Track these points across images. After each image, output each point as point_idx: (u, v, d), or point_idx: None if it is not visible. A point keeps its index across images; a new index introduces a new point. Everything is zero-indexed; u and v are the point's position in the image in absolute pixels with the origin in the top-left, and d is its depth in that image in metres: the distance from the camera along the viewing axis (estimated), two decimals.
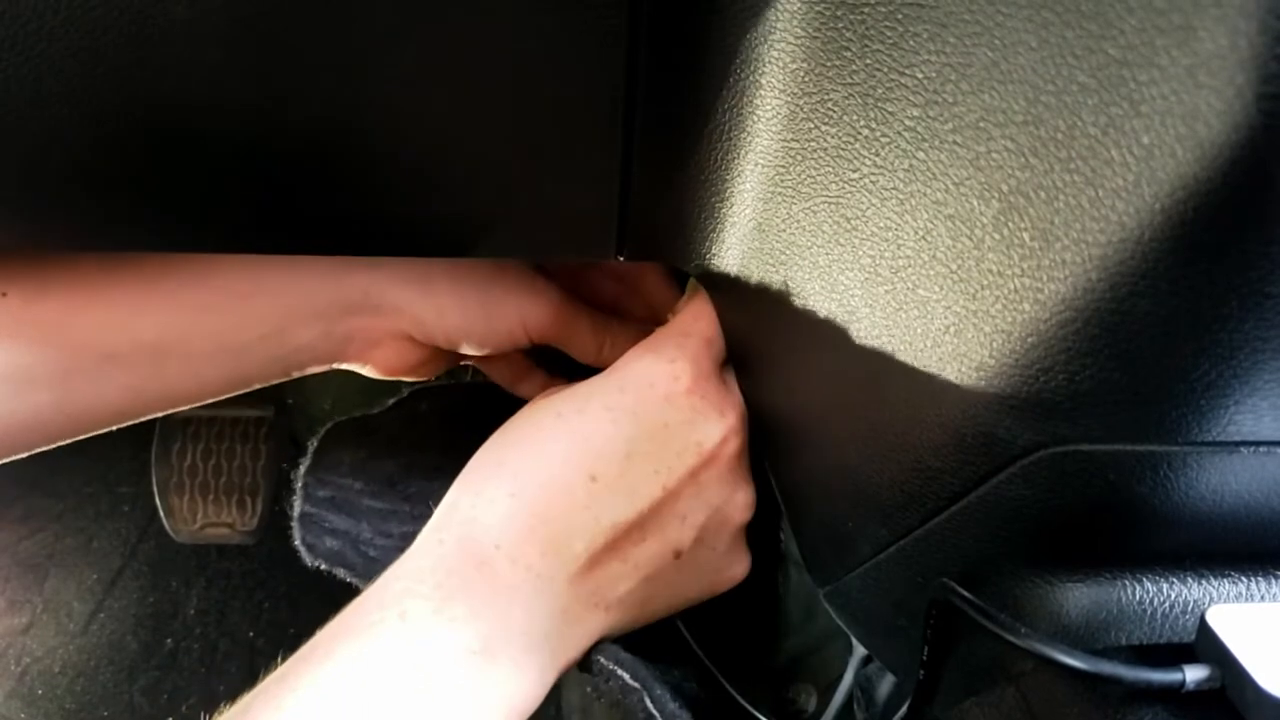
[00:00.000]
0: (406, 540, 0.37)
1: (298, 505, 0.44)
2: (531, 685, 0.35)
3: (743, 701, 0.43)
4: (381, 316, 0.43)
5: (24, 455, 0.40)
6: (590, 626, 0.37)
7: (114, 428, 0.42)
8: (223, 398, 0.44)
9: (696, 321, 0.42)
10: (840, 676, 0.48)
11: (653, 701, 0.38)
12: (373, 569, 0.40)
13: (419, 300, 0.43)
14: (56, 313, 0.38)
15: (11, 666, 0.96)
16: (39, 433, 0.40)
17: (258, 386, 0.44)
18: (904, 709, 0.42)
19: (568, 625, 0.37)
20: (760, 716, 0.43)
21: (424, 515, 0.37)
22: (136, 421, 0.42)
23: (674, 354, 0.40)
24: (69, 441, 0.41)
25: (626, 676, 0.38)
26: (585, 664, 0.39)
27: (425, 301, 0.43)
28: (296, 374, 0.45)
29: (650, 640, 0.41)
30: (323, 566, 0.43)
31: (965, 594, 0.29)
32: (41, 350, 0.37)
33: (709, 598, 0.42)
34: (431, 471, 0.47)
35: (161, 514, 0.84)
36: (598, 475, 0.37)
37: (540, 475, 0.37)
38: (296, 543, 0.43)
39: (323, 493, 0.44)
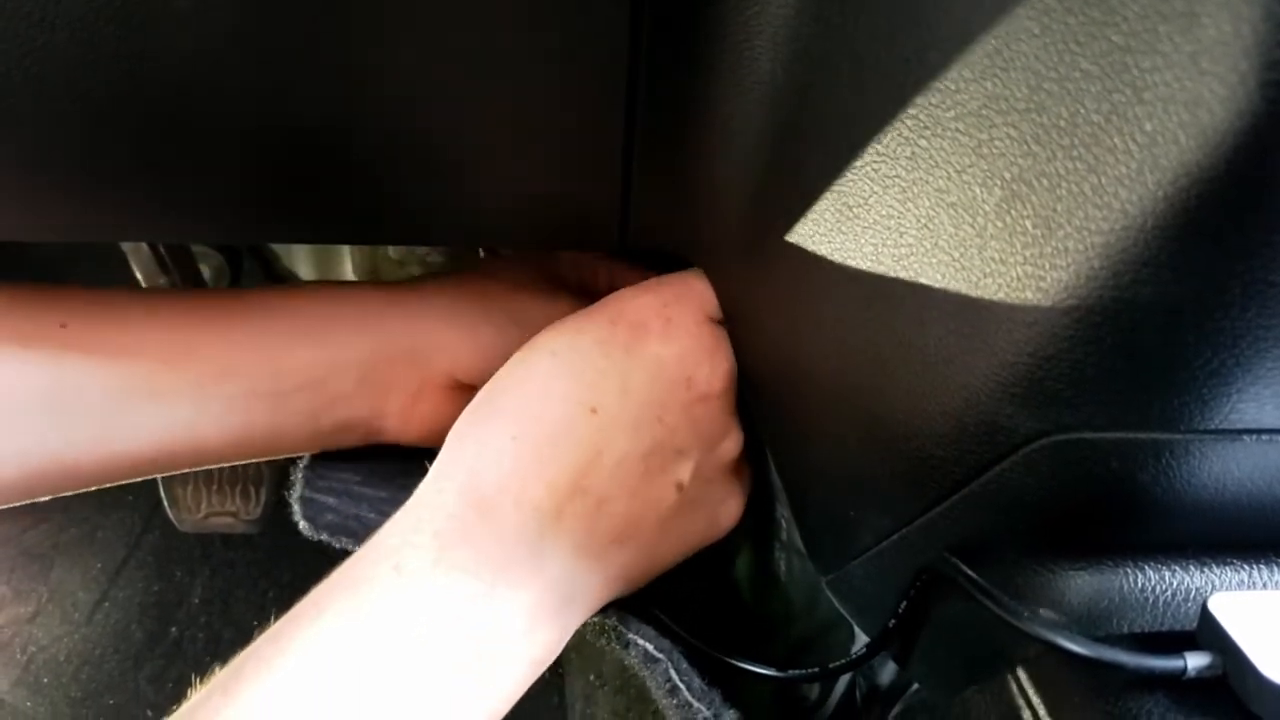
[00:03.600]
0: None
1: (297, 490, 0.44)
2: (549, 631, 0.35)
3: (740, 664, 0.43)
4: (422, 362, 0.43)
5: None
6: (609, 567, 0.37)
7: (141, 479, 0.42)
8: (260, 459, 0.44)
9: (695, 278, 0.42)
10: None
11: (679, 673, 0.37)
12: None
13: (460, 340, 0.43)
14: (111, 344, 0.38)
15: (17, 655, 0.96)
16: (71, 469, 0.39)
17: (289, 453, 0.44)
18: (906, 695, 0.42)
19: (582, 564, 0.36)
20: (760, 670, 0.43)
21: None
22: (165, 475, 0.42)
23: (668, 296, 0.40)
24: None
25: (650, 646, 0.38)
26: (603, 630, 0.39)
27: (466, 340, 0.43)
28: (334, 438, 0.45)
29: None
30: (324, 538, 0.43)
31: (969, 573, 0.29)
32: (88, 383, 0.38)
33: (711, 542, 0.42)
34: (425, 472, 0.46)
35: (166, 503, 0.84)
36: (598, 408, 0.37)
37: (540, 413, 0.37)
38: (296, 517, 0.43)
39: (322, 483, 0.44)
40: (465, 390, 0.43)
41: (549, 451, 0.36)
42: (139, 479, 0.42)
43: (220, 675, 0.31)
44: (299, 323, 0.42)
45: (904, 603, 0.33)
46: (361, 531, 0.43)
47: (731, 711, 0.37)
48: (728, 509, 0.42)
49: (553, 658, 0.35)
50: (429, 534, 0.34)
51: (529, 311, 0.45)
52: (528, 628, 0.34)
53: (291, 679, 0.30)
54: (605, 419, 0.36)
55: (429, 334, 0.43)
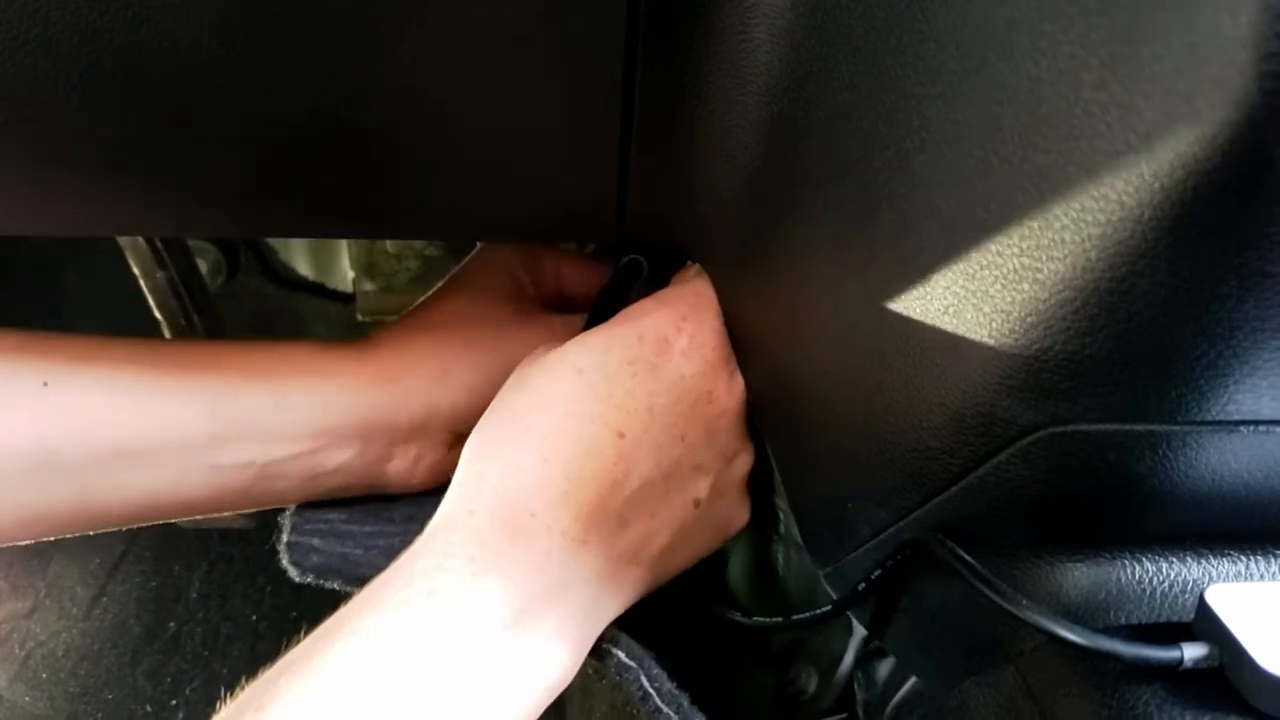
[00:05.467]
0: (391, 552, 0.35)
1: (285, 536, 0.44)
2: (568, 655, 0.35)
3: (737, 617, 0.44)
4: (418, 430, 0.43)
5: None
6: (625, 588, 0.37)
7: (129, 527, 0.41)
8: (251, 510, 0.44)
9: (704, 285, 0.42)
10: (840, 658, 0.49)
11: (649, 680, 0.38)
12: (360, 575, 0.40)
13: (451, 397, 0.43)
14: (92, 407, 0.38)
15: (16, 650, 0.96)
16: (52, 525, 0.39)
17: (292, 506, 0.44)
18: (905, 688, 0.42)
19: (604, 589, 0.36)
20: (726, 615, 0.44)
21: (411, 532, 0.36)
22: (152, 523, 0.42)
23: (686, 310, 0.40)
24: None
25: (622, 654, 0.38)
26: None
27: (458, 396, 0.43)
28: (333, 494, 0.44)
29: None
30: (311, 580, 0.43)
31: (967, 559, 0.29)
32: (69, 445, 0.37)
33: (718, 547, 0.43)
34: (414, 501, 0.46)
35: None
36: (625, 432, 0.37)
37: (571, 436, 0.36)
38: (284, 563, 0.43)
39: (308, 527, 0.44)
40: (464, 441, 0.42)
41: (578, 475, 0.36)
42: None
43: (249, 692, 0.31)
44: (286, 394, 0.41)
45: (877, 570, 0.33)
46: (347, 570, 0.43)
47: (700, 715, 0.38)
48: (736, 519, 0.43)
49: (566, 682, 0.35)
50: (463, 558, 0.34)
51: (508, 339, 0.44)
52: (549, 652, 0.34)
53: (326, 695, 0.30)
54: (631, 442, 0.37)
55: (420, 398, 0.42)
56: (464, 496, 0.36)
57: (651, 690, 0.38)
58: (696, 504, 0.39)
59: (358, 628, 0.32)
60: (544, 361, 0.39)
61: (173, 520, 0.42)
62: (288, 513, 0.45)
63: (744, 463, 0.42)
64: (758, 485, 0.44)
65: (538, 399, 0.38)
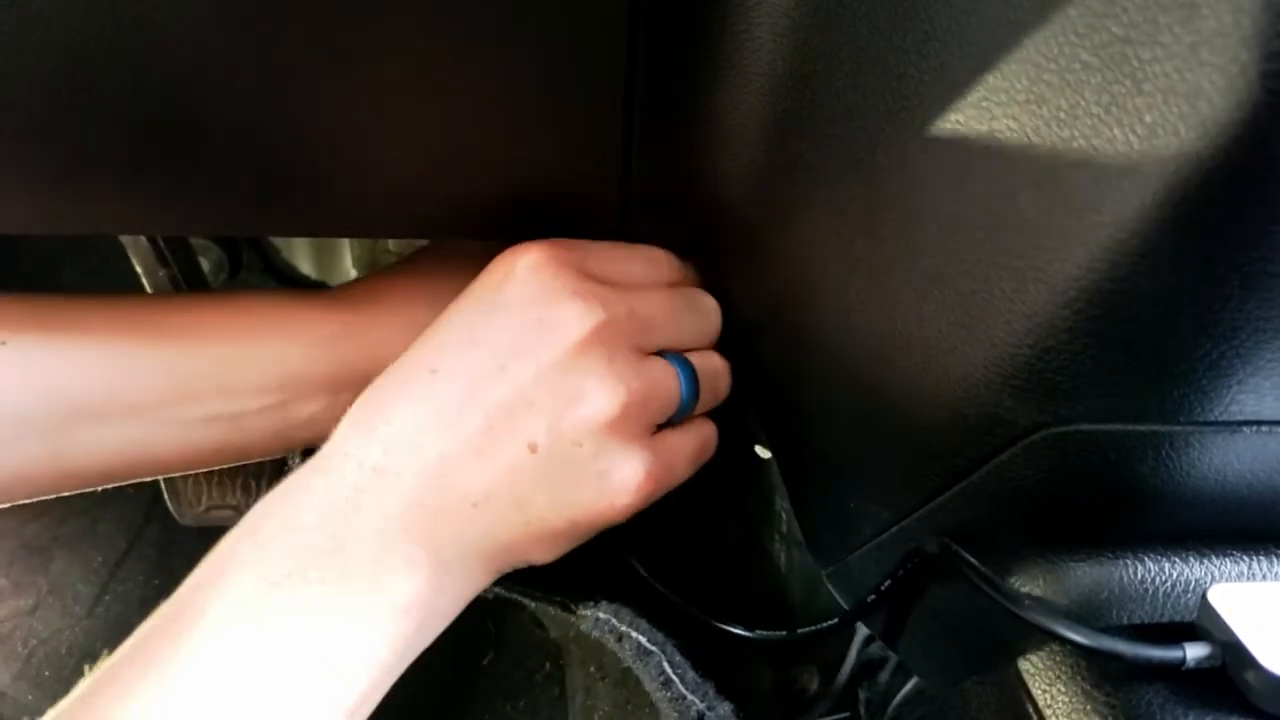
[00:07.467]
0: None
1: None
2: (405, 584, 0.33)
3: (729, 628, 0.43)
4: None
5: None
6: (461, 523, 0.35)
7: (107, 486, 0.41)
8: (225, 466, 0.43)
9: (601, 244, 0.40)
10: (843, 657, 0.49)
11: (672, 666, 0.37)
12: None
13: None
14: (53, 366, 0.37)
15: (18, 649, 0.97)
16: (29, 484, 0.39)
17: (263, 458, 0.44)
18: (906, 687, 0.42)
19: (432, 520, 0.34)
20: (730, 629, 0.43)
21: None
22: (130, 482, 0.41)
23: (550, 243, 0.38)
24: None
25: (644, 640, 0.38)
26: (597, 624, 0.39)
27: None
28: (310, 445, 0.43)
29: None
30: None
31: (970, 559, 0.29)
32: (36, 402, 0.37)
33: (615, 514, 0.37)
34: None
35: (166, 497, 0.84)
36: (438, 368, 0.35)
37: (385, 379, 0.36)
38: None
39: None
40: None
41: (385, 412, 0.35)
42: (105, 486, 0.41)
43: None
44: (251, 345, 0.40)
45: (887, 580, 0.33)
46: None
47: (725, 704, 0.37)
48: (620, 479, 0.37)
49: (429, 599, 0.34)
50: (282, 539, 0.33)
51: None
52: (371, 580, 0.33)
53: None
54: (442, 377, 0.35)
55: (389, 350, 0.40)
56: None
57: (674, 676, 0.37)
58: (532, 448, 0.35)
59: (156, 659, 0.31)
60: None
61: (150, 479, 0.42)
62: (295, 460, 0.45)
63: (599, 406, 0.36)
64: (757, 484, 0.44)
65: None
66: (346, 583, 0.32)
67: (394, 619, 0.33)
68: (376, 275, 0.46)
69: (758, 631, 0.42)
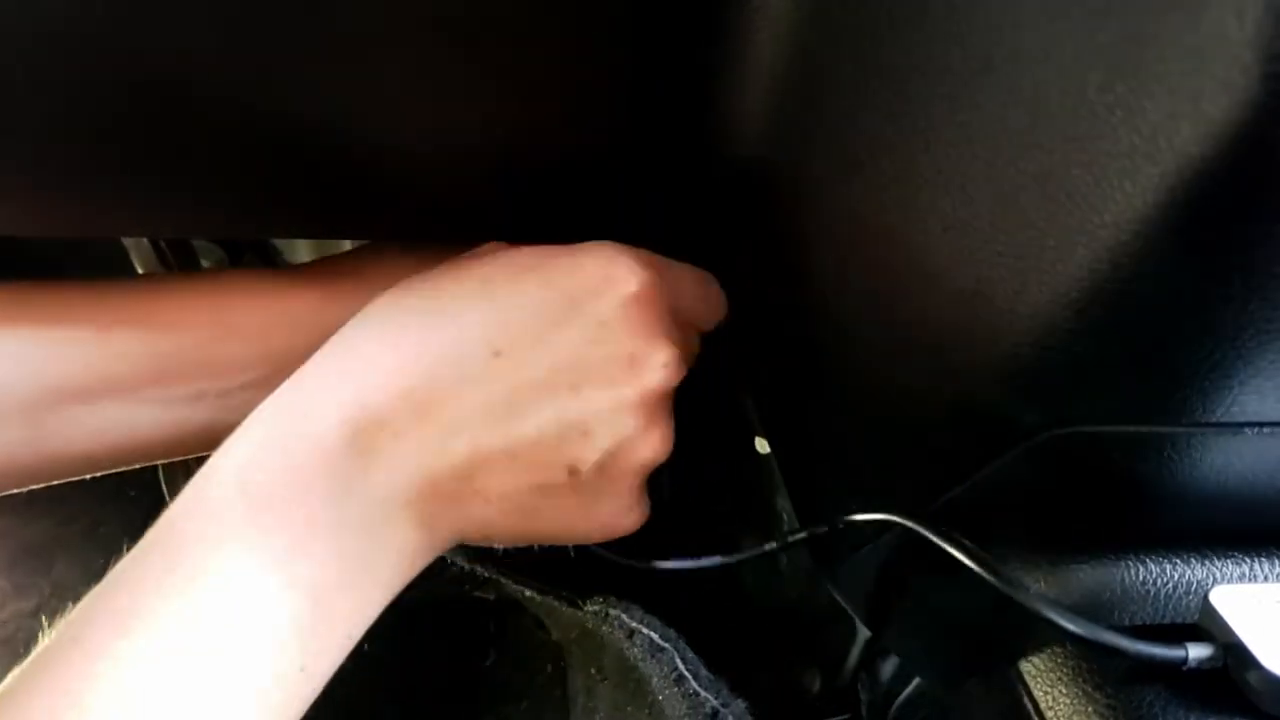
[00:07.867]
0: None
1: None
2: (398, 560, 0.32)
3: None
4: None
5: None
6: (462, 507, 0.33)
7: (90, 475, 0.40)
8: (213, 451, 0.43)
9: (683, 265, 0.39)
10: (845, 658, 0.49)
11: (684, 662, 0.37)
12: None
13: None
14: (31, 348, 0.37)
15: (21, 650, 0.96)
16: (11, 473, 0.38)
17: None
18: (908, 688, 0.42)
19: (433, 497, 0.32)
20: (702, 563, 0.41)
21: None
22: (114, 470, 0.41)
23: (647, 260, 0.35)
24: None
25: (655, 636, 0.37)
26: (606, 619, 0.38)
27: None
28: None
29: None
30: None
31: (969, 544, 0.29)
32: (14, 383, 0.36)
33: (596, 540, 0.37)
34: None
35: (167, 498, 0.85)
36: (502, 351, 0.33)
37: (429, 334, 0.33)
38: None
39: None
40: None
41: (431, 380, 0.33)
42: (94, 474, 0.41)
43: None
44: (231, 319, 0.39)
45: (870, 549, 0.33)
46: None
47: (739, 701, 0.37)
48: (622, 523, 0.37)
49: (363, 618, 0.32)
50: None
51: None
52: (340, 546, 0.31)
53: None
54: (507, 361, 0.33)
55: None
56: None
57: (687, 673, 0.37)
58: (573, 472, 0.34)
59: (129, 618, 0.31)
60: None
61: (143, 464, 0.41)
62: None
63: (650, 448, 0.35)
64: (757, 485, 0.44)
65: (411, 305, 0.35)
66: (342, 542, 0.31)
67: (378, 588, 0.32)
68: (363, 247, 0.44)
69: (734, 556, 0.38)
